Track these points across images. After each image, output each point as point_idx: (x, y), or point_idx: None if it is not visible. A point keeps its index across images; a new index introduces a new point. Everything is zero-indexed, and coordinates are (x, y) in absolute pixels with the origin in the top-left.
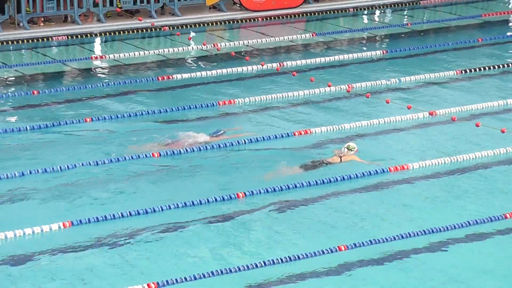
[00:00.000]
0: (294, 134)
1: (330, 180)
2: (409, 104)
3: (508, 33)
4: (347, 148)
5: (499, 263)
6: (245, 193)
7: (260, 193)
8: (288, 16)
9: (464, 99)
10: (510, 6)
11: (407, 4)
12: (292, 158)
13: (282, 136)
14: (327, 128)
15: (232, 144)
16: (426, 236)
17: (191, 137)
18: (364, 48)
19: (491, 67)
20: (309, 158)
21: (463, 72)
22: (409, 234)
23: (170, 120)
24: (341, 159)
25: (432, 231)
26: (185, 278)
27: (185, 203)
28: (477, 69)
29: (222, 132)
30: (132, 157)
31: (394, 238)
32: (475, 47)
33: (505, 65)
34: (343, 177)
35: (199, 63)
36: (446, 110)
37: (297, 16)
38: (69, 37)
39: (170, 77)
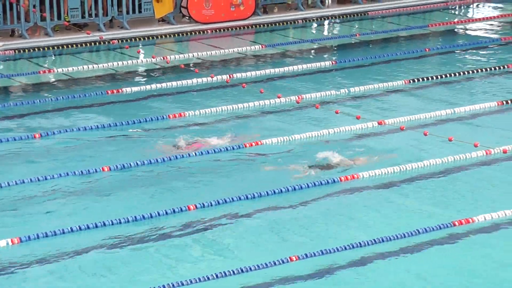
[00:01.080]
0: (245, 146)
1: (281, 190)
2: (358, 114)
3: (454, 43)
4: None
5: (446, 270)
6: (195, 205)
7: (212, 205)
8: (238, 28)
9: (412, 108)
10: (455, 16)
11: (356, 15)
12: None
13: (233, 148)
14: (277, 139)
15: (189, 155)
16: (377, 245)
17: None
18: (314, 59)
19: (439, 76)
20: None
21: (412, 81)
22: (360, 244)
23: (120, 133)
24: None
25: (382, 239)
26: None
27: (135, 217)
28: (425, 79)
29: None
30: (82, 172)
31: (345, 248)
32: (422, 56)
33: (452, 74)
34: (294, 187)
35: (149, 76)
36: (395, 120)
37: (246, 28)
38: (17, 51)
39: (120, 90)
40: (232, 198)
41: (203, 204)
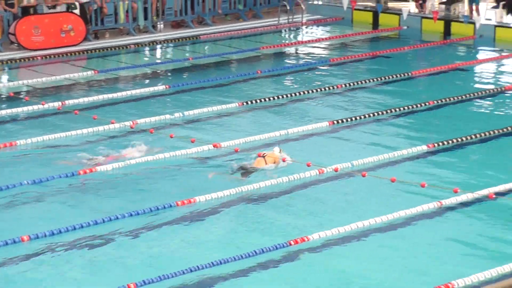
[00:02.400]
0: (79, 173)
1: (144, 211)
2: (192, 138)
3: (285, 65)
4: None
5: None
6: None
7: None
8: (69, 54)
9: (247, 130)
10: (285, 39)
11: (188, 39)
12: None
13: (66, 176)
14: (112, 165)
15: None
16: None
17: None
18: (147, 84)
19: (271, 98)
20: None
21: (245, 103)
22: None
23: None
24: (265, 161)
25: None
26: None
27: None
28: (258, 100)
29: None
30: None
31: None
32: (255, 78)
33: (284, 96)
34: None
35: None
36: (230, 142)
37: (78, 53)
38: None
39: None
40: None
41: None
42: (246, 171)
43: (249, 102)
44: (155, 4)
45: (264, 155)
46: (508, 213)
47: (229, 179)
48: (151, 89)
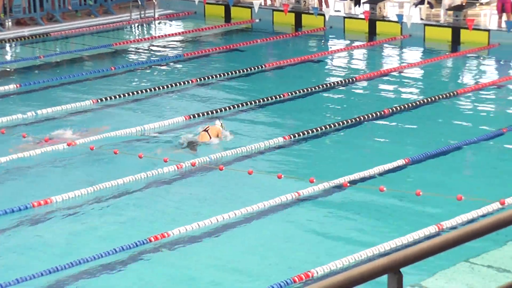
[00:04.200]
0: None
1: None
2: (46, 137)
3: (139, 60)
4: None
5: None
6: None
7: None
8: None
9: (102, 127)
10: (139, 34)
11: (38, 36)
12: None
13: None
14: None
15: None
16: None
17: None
18: None
19: (126, 95)
20: None
21: (100, 100)
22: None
23: None
24: (209, 135)
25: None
26: None
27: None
28: (113, 97)
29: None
30: None
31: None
32: (109, 75)
33: (140, 91)
34: None
35: None
36: (86, 139)
37: None
38: None
39: None
40: None
41: None
42: (194, 144)
43: (104, 99)
44: (1, 1)
45: (207, 129)
46: (362, 201)
47: (179, 152)
48: (1, 88)
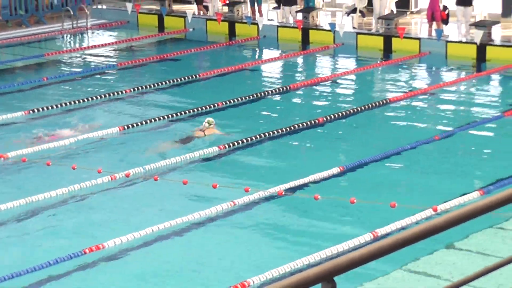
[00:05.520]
0: None
1: None
2: None
3: (72, 70)
4: (207, 123)
5: None
6: None
7: None
8: None
9: (33, 140)
10: (71, 44)
11: None
12: None
13: None
14: None
15: None
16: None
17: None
18: None
19: (58, 105)
20: None
21: (31, 112)
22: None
23: None
24: (204, 133)
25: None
26: None
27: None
28: (45, 108)
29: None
30: None
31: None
32: (41, 86)
33: (73, 102)
34: None
35: None
36: (17, 152)
37: None
38: None
39: None
40: None
41: None
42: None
43: (36, 110)
44: None
45: (204, 129)
46: (297, 209)
47: (177, 146)
48: None
